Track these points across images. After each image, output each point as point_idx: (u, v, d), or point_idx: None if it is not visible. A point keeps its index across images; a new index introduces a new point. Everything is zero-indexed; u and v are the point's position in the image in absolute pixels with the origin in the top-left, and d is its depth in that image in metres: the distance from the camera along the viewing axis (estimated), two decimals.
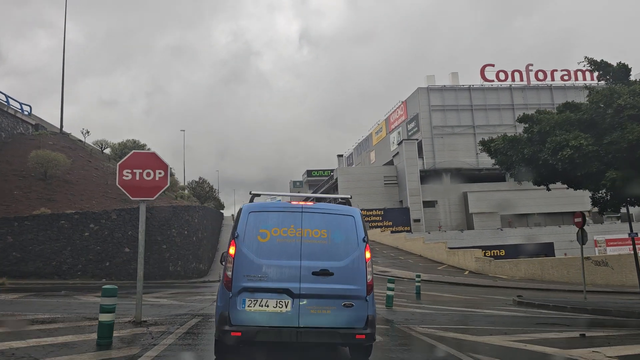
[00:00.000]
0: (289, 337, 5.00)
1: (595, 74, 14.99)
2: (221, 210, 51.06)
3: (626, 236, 51.02)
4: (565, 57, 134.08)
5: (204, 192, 46.88)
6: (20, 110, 33.99)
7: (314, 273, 5.20)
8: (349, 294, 5.21)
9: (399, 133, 63.42)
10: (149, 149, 27.79)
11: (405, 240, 46.31)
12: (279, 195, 5.91)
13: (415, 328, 8.56)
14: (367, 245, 5.46)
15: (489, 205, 54.73)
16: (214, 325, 5.73)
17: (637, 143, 12.24)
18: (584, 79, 59.66)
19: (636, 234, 17.91)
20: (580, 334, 8.19)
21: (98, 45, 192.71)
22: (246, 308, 5.09)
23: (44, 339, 6.57)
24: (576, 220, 16.98)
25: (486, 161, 55.85)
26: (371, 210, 54.73)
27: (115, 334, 7.00)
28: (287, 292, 5.12)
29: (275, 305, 5.10)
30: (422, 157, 57.39)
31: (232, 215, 49.37)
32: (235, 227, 5.39)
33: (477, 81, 59.59)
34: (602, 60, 14.76)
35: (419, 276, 18.23)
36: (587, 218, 46.37)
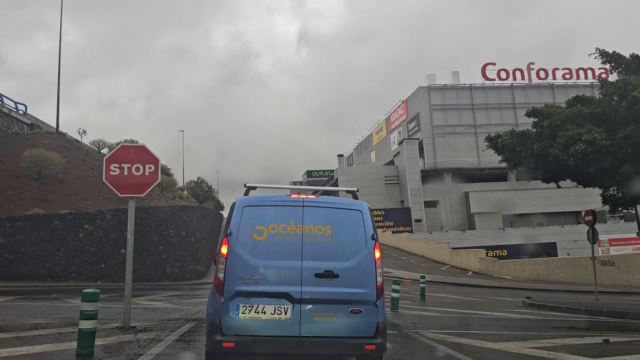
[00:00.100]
0: (289, 348, 4.39)
1: (608, 65, 14.37)
2: (220, 211, 50.44)
3: (630, 236, 50.60)
4: (566, 56, 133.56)
5: (202, 193, 46.27)
6: (15, 110, 33.39)
7: (316, 275, 4.59)
8: (356, 299, 4.59)
9: (399, 133, 62.83)
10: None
11: (407, 241, 45.73)
12: (277, 188, 5.28)
13: (425, 333, 7.95)
14: (377, 243, 4.84)
15: (491, 205, 54.17)
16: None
17: None
18: (586, 77, 59.29)
19: None
20: (603, 340, 7.59)
21: (97, 47, 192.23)
22: (240, 315, 4.48)
23: (19, 349, 5.97)
24: (586, 218, 16.37)
25: (487, 161, 55.49)
26: (372, 210, 53.58)
27: (99, 342, 6.41)
28: (286, 296, 4.51)
29: (273, 312, 4.49)
30: (423, 157, 56.82)
31: None
32: (227, 224, 4.78)
33: (478, 80, 59.04)
34: (614, 51, 14.19)
35: (423, 277, 17.65)
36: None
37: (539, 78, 59.54)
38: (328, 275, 4.60)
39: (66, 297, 14.32)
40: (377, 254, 4.79)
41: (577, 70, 59.23)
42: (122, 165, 8.05)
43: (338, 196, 5.39)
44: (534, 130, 14.56)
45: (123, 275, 22.20)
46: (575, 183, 16.78)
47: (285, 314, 4.48)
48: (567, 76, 59.64)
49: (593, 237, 16.01)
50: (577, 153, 12.49)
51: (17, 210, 22.75)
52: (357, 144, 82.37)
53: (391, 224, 53.96)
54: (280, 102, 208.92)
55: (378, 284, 4.70)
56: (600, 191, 16.06)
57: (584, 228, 51.95)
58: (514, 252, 43.54)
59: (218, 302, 4.53)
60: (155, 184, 8.19)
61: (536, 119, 14.62)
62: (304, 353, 4.42)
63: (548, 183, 15.46)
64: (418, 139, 57.52)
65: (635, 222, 51.23)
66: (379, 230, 51.87)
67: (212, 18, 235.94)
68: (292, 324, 4.46)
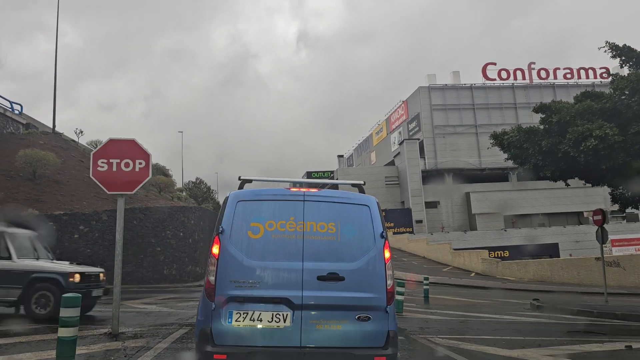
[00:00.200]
0: None
1: (618, 60, 13.88)
2: None
3: (633, 236, 50.05)
4: (567, 56, 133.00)
5: (201, 193, 45.77)
6: (10, 109, 32.91)
7: (319, 278, 4.08)
8: (364, 304, 4.09)
9: (399, 133, 62.34)
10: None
11: (408, 242, 45.25)
12: (276, 181, 4.76)
13: (434, 339, 7.45)
14: (387, 242, 4.34)
15: (492, 205, 53.69)
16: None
17: None
18: (587, 77, 58.83)
19: None
20: (625, 346, 7.09)
21: (97, 49, 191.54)
22: (233, 323, 3.98)
23: None
24: (595, 218, 15.86)
25: (489, 161, 55.06)
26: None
27: (82, 350, 5.92)
28: (285, 302, 4.01)
29: (270, 319, 3.99)
30: (424, 157, 56.36)
31: None
32: (219, 220, 4.26)
33: (479, 80, 58.55)
34: (624, 45, 13.69)
35: (426, 279, 17.15)
36: (591, 218, 45.13)
37: (540, 78, 59.10)
38: (332, 277, 4.10)
39: None
40: (387, 254, 4.28)
41: (579, 70, 58.81)
42: (111, 160, 7.56)
43: (343, 190, 4.88)
44: (542, 126, 14.08)
45: (119, 278, 21.84)
46: (583, 182, 16.30)
47: (284, 322, 3.98)
48: (569, 76, 59.22)
49: (602, 237, 15.49)
50: (588, 149, 12.02)
51: (11, 211, 22.29)
52: (357, 145, 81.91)
53: (392, 224, 53.38)
54: (280, 102, 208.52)
55: (388, 288, 4.19)
56: (606, 190, 15.56)
57: (586, 229, 51.45)
58: (515, 253, 43.04)
59: (209, 308, 4.03)
60: (145, 181, 7.69)
61: (544, 115, 14.13)
62: None
63: (556, 181, 14.97)
64: (418, 139, 57.04)
65: (638, 223, 50.74)
66: None
67: (212, 19, 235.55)
68: (292, 333, 3.96)
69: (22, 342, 6.62)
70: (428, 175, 55.86)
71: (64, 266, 9.74)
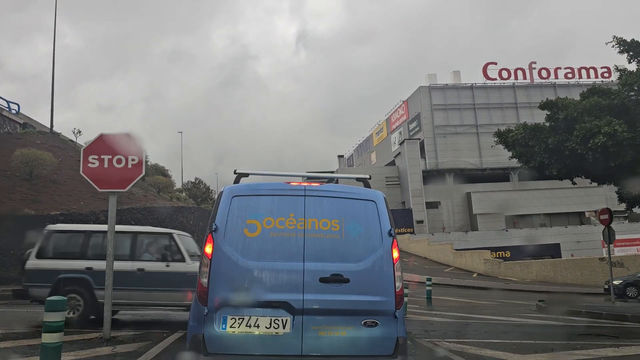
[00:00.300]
0: None
1: (625, 55, 13.54)
2: None
3: (635, 236, 49.74)
4: (568, 55, 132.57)
5: (200, 193, 45.45)
6: (7, 109, 32.57)
7: (322, 280, 3.75)
8: (371, 309, 3.75)
9: (400, 133, 62.01)
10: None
11: (409, 242, 44.93)
12: (274, 175, 4.41)
13: (441, 343, 7.10)
14: (395, 240, 4.00)
15: (493, 205, 53.37)
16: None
17: None
18: (588, 76, 58.52)
19: None
20: None
21: (97, 50, 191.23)
22: (228, 329, 3.64)
23: None
24: (602, 217, 15.52)
25: (490, 161, 54.78)
26: None
27: (70, 356, 5.59)
28: (285, 306, 3.67)
29: (268, 325, 3.65)
30: (425, 157, 56.06)
31: None
32: (213, 217, 3.91)
33: (480, 80, 58.25)
34: (632, 39, 13.36)
35: (429, 279, 16.82)
36: (593, 218, 44.67)
37: (541, 77, 58.82)
38: (336, 279, 3.76)
39: None
40: (396, 254, 3.94)
41: (580, 70, 58.54)
42: (102, 156, 7.21)
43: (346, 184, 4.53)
44: (548, 123, 13.76)
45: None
46: (589, 180, 15.98)
47: (284, 328, 3.65)
48: (570, 75, 58.96)
49: (609, 237, 15.15)
50: (596, 146, 11.71)
51: (6, 211, 21.94)
52: (357, 145, 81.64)
53: None
54: (280, 103, 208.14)
55: (397, 290, 3.85)
56: (607, 190, 15.25)
57: (588, 229, 51.09)
58: (517, 253, 42.77)
59: (201, 313, 3.69)
60: (138, 178, 7.35)
61: (550, 112, 13.80)
62: None
63: (562, 180, 14.66)
64: (419, 139, 56.73)
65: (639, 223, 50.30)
66: None
67: (211, 20, 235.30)
68: (292, 340, 3.62)
69: (8, 347, 6.27)
70: (429, 176, 55.55)
71: None
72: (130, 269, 8.40)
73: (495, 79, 57.92)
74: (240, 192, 3.99)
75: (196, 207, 31.34)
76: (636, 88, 12.49)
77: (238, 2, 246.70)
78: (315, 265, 3.78)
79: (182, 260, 8.61)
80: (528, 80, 58.76)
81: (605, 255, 37.51)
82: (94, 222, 22.10)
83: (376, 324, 3.73)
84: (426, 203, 54.37)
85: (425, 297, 15.58)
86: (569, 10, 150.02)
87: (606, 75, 54.13)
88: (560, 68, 59.31)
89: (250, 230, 3.83)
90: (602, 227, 15.66)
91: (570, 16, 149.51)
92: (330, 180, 5.47)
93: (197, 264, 8.71)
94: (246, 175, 4.33)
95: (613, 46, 13.66)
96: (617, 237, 48.43)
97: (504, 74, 57.99)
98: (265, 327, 3.64)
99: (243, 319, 3.65)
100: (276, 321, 3.65)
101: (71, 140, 35.95)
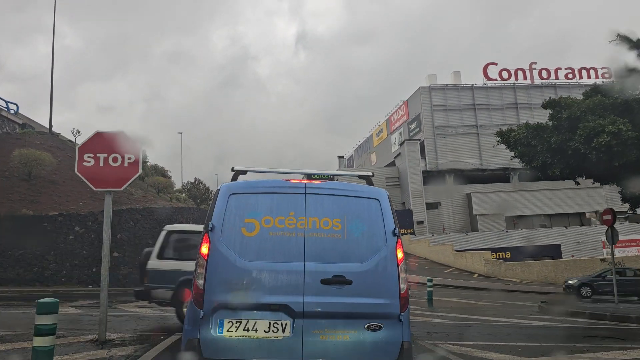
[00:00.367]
0: None
1: (634, 52, 13.38)
2: None
3: (635, 237, 49.62)
4: (568, 56, 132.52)
5: (200, 194, 45.29)
6: (5, 109, 32.43)
7: (323, 281, 3.59)
8: (375, 312, 3.60)
9: (400, 134, 61.86)
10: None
11: (409, 243, 44.77)
12: (273, 173, 4.25)
13: (444, 346, 6.94)
14: (399, 240, 3.85)
15: (493, 206, 53.22)
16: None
17: None
18: (589, 77, 58.38)
19: None
20: None
21: (97, 50, 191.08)
22: (225, 333, 3.48)
23: None
24: (605, 217, 15.31)
25: (490, 162, 54.63)
26: None
27: (65, 359, 5.41)
28: (284, 309, 3.52)
29: (267, 329, 3.49)
30: (425, 158, 55.91)
31: None
32: (209, 216, 3.75)
33: (480, 80, 58.10)
34: (638, 39, 13.20)
35: (430, 280, 16.66)
36: (593, 219, 44.45)
37: (541, 78, 58.67)
38: (338, 281, 3.60)
39: None
40: (400, 254, 3.78)
41: (580, 70, 58.40)
42: (98, 155, 7.06)
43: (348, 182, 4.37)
44: (551, 122, 13.61)
45: (116, 279, 21.33)
46: (592, 180, 15.83)
47: (283, 332, 3.49)
48: (570, 75, 58.81)
49: (613, 238, 14.96)
50: (600, 146, 11.57)
51: (5, 212, 21.80)
52: (357, 146, 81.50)
53: None
54: (279, 104, 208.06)
55: (402, 292, 3.69)
56: (607, 191, 15.11)
57: (588, 229, 50.91)
58: (517, 254, 42.64)
59: (197, 316, 3.53)
60: (135, 177, 7.19)
61: (552, 111, 13.66)
62: None
63: (565, 180, 14.53)
64: (419, 139, 56.60)
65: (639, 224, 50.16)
66: None
67: (211, 21, 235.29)
68: (291, 344, 3.46)
69: (1, 350, 6.12)
70: (429, 176, 55.41)
71: None
72: None
73: (496, 80, 57.78)
74: (238, 190, 3.83)
75: (196, 208, 31.19)
76: None
77: (238, 2, 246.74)
78: (316, 266, 3.62)
79: None
80: (528, 81, 58.62)
81: (605, 255, 37.39)
82: (93, 223, 21.97)
83: (380, 327, 3.58)
84: (426, 204, 54.22)
85: (427, 298, 15.41)
86: (569, 10, 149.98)
87: (607, 75, 53.98)
88: (560, 68, 59.19)
89: (248, 230, 3.68)
90: (602, 227, 15.49)
91: (570, 16, 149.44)
92: (332, 177, 5.31)
93: None
94: (244, 172, 4.17)
95: (617, 44, 13.50)
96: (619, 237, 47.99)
97: (504, 74, 57.85)
98: (264, 331, 3.49)
99: (240, 322, 3.50)
100: (275, 325, 3.49)
101: (70, 141, 35.79)
